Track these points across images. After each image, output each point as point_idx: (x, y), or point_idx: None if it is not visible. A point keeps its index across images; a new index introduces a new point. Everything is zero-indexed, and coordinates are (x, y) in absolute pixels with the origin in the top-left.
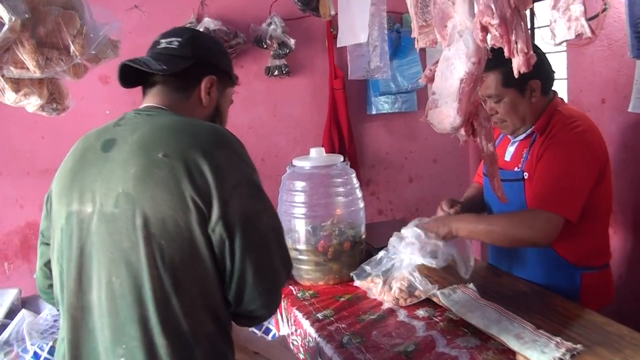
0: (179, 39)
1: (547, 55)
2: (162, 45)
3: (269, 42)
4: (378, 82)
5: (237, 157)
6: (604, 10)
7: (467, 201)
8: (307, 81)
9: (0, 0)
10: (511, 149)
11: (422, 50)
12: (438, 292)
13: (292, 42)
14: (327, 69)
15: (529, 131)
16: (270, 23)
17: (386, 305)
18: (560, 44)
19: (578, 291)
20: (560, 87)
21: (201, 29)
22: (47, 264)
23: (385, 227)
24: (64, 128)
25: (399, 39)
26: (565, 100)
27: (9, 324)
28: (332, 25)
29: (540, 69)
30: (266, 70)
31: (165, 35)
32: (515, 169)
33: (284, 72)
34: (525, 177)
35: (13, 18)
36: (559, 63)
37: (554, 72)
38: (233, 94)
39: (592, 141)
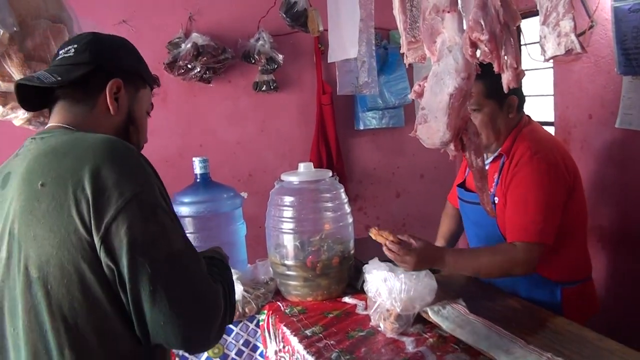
0: (76, 46)
1: (534, 71)
2: (60, 56)
3: (257, 57)
4: (365, 98)
5: (127, 174)
6: (591, 27)
7: (446, 241)
8: (295, 96)
9: None
10: None
11: (410, 66)
12: (427, 308)
13: (280, 57)
14: (315, 85)
15: (496, 153)
16: (259, 38)
17: (373, 322)
18: (550, 59)
19: (559, 305)
20: (547, 104)
21: (189, 44)
22: None
23: (374, 242)
24: None
25: (386, 55)
26: (553, 117)
27: None
28: (320, 41)
29: (518, 87)
30: (254, 85)
31: (63, 44)
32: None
33: (272, 87)
34: (496, 202)
35: (1, 31)
36: (545, 80)
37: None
38: (153, 96)
39: (557, 163)
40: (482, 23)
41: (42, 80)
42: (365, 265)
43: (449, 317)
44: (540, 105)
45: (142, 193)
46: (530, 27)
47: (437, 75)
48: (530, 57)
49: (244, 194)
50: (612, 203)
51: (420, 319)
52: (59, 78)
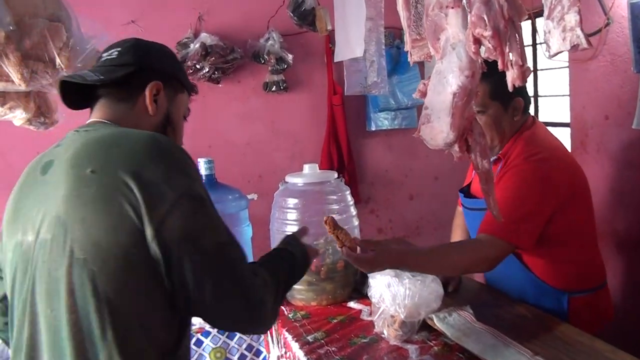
0: (119, 49)
1: (549, 71)
2: (103, 58)
3: (266, 57)
4: (377, 98)
5: (176, 169)
6: (607, 24)
7: None
8: (306, 97)
9: None
10: None
11: (422, 65)
12: (433, 315)
13: (289, 57)
14: (326, 85)
15: (495, 157)
16: (268, 38)
17: (377, 329)
18: (554, 55)
19: (566, 314)
20: (563, 104)
21: (198, 44)
22: (4, 300)
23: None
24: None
25: (398, 55)
26: (569, 117)
27: None
28: (331, 41)
29: (523, 88)
30: (264, 85)
31: (107, 48)
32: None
33: (282, 87)
34: None
35: None
36: (561, 79)
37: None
38: (190, 102)
39: (550, 170)
40: (485, 18)
41: (85, 78)
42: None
43: (455, 325)
44: (555, 105)
45: (191, 187)
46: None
47: (440, 73)
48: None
49: (254, 196)
50: (629, 207)
51: (425, 326)
52: (102, 77)
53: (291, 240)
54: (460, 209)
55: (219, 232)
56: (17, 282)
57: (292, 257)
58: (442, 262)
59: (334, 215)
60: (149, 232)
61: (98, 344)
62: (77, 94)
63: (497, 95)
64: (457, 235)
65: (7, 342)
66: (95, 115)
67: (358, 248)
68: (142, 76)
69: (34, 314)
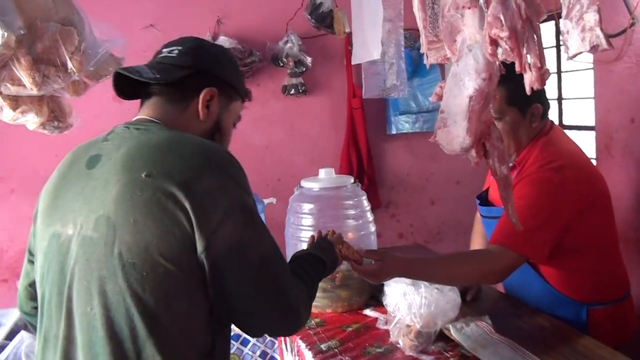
0: (180, 48)
1: (573, 73)
2: (163, 54)
3: (285, 60)
4: (398, 101)
5: (229, 180)
6: (632, 24)
7: None
8: (325, 100)
9: None
10: None
11: (443, 67)
12: (450, 325)
13: (308, 60)
14: (345, 88)
15: (511, 164)
16: (287, 41)
17: (392, 338)
18: (574, 56)
19: (585, 326)
20: (588, 107)
21: None
22: (33, 284)
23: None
24: None
25: (419, 57)
26: (593, 121)
27: (7, 345)
28: (350, 43)
29: (542, 93)
30: (283, 88)
31: (168, 44)
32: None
33: (300, 90)
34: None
35: (6, 34)
36: (585, 82)
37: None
38: (243, 109)
39: (566, 178)
40: (502, 18)
41: (141, 74)
42: None
43: (472, 336)
44: (580, 108)
45: (243, 199)
46: None
47: (456, 76)
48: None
49: (272, 200)
50: None
51: (442, 337)
52: (158, 76)
53: (327, 247)
54: (479, 216)
55: (266, 245)
56: (51, 273)
57: (324, 268)
58: (450, 272)
59: (349, 221)
60: (200, 241)
61: (137, 348)
62: (129, 86)
63: (514, 101)
64: (476, 243)
65: (33, 326)
66: (145, 112)
67: (364, 260)
68: (199, 80)
69: (70, 310)
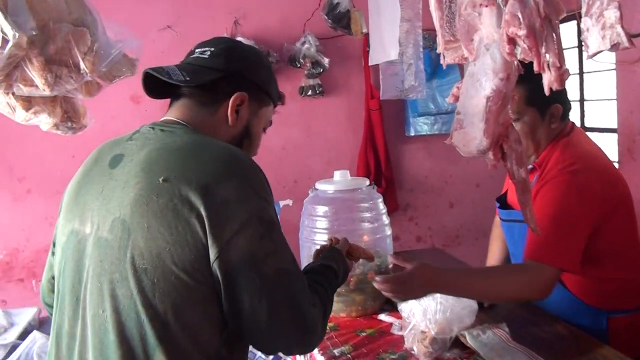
0: (212, 49)
1: (595, 74)
2: (194, 55)
3: (302, 61)
4: (416, 103)
5: (250, 189)
6: None
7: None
8: (342, 101)
9: (5, 16)
10: None
11: (462, 68)
12: (466, 332)
13: (326, 61)
14: (363, 89)
15: (531, 166)
16: (304, 42)
17: (407, 344)
18: (594, 55)
19: (605, 335)
20: (610, 109)
21: None
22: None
23: (419, 258)
24: (94, 147)
25: (438, 58)
26: (616, 123)
27: (20, 344)
28: (368, 44)
29: (562, 93)
30: (300, 90)
31: (201, 44)
32: None
33: (317, 91)
34: None
35: (17, 34)
36: (607, 83)
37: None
38: (274, 113)
39: (587, 181)
40: (520, 16)
41: (171, 76)
42: None
43: (489, 344)
44: (602, 110)
45: (263, 210)
46: None
47: (473, 76)
48: (593, 59)
49: (289, 201)
50: None
51: (458, 343)
52: (188, 78)
53: (336, 256)
54: (498, 220)
55: (283, 259)
56: (67, 270)
57: (336, 277)
58: (488, 290)
59: (365, 224)
60: (213, 250)
61: (147, 354)
62: (159, 85)
63: (533, 101)
64: (494, 247)
65: None
66: (174, 113)
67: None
68: (230, 84)
69: (85, 310)
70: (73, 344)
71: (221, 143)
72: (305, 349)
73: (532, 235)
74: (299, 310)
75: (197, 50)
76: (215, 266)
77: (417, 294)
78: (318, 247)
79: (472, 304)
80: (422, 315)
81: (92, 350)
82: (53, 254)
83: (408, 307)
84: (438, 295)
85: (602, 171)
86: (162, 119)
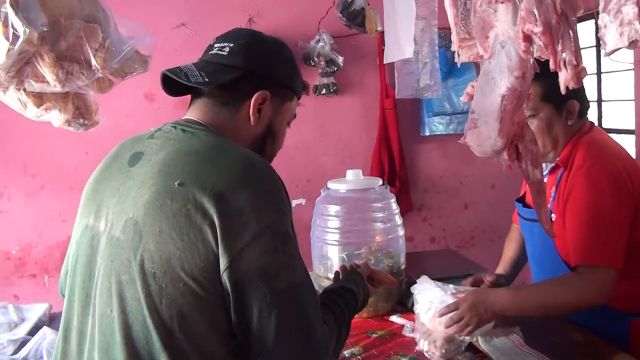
0: (231, 45)
1: (613, 74)
2: (214, 51)
3: (316, 59)
4: (432, 102)
5: (266, 200)
6: None
7: (505, 271)
8: (357, 100)
9: (16, 12)
10: None
11: (479, 67)
12: (479, 336)
13: (340, 59)
14: (378, 88)
15: (553, 164)
16: (319, 40)
17: (419, 347)
18: (611, 53)
19: (626, 340)
20: (628, 110)
21: None
22: None
23: (432, 259)
24: (107, 144)
25: (454, 56)
26: (634, 124)
27: (29, 340)
28: (384, 42)
29: (580, 90)
30: (314, 88)
31: (220, 38)
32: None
33: (332, 90)
34: (553, 220)
35: (27, 30)
36: (626, 83)
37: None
38: (298, 105)
39: (618, 173)
40: (536, 13)
41: (189, 77)
42: (414, 285)
43: (501, 348)
44: (619, 111)
45: (277, 221)
46: None
47: (488, 74)
48: (611, 58)
49: (302, 200)
50: None
51: (470, 346)
52: (206, 80)
53: (357, 279)
54: (515, 225)
55: (295, 273)
56: (79, 266)
57: (356, 302)
58: (544, 299)
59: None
60: (223, 260)
61: (152, 358)
62: (176, 82)
63: (549, 97)
64: (509, 251)
65: None
66: (194, 112)
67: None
68: (250, 82)
69: (94, 308)
70: (83, 342)
71: (240, 149)
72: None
73: (573, 239)
74: (309, 325)
75: (216, 46)
76: (225, 276)
77: (485, 315)
78: (330, 246)
79: None
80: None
81: (98, 350)
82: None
83: (423, 308)
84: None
85: (628, 168)
86: (183, 118)
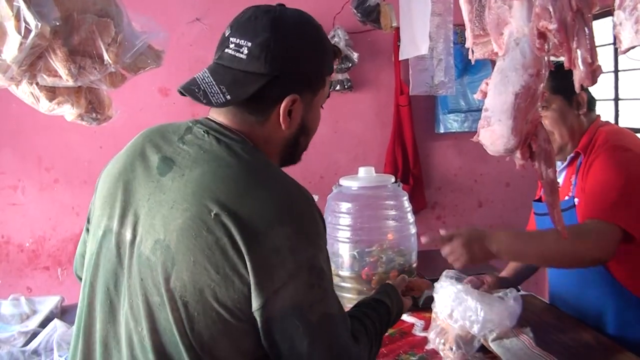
0: (250, 45)
1: (630, 72)
2: (230, 50)
3: None
4: (447, 99)
5: (303, 237)
6: None
7: (509, 275)
8: (371, 97)
9: (29, 6)
10: (559, 179)
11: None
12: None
13: (355, 55)
14: (393, 84)
15: (573, 153)
16: (334, 36)
17: (430, 346)
18: (627, 51)
19: None
20: None
21: None
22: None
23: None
24: (121, 138)
25: None
26: None
27: (40, 332)
28: (399, 38)
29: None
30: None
31: (234, 29)
32: (566, 197)
33: (346, 86)
34: (576, 203)
35: (40, 25)
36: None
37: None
38: (332, 80)
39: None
40: (551, 10)
41: (209, 98)
42: (435, 283)
43: (512, 349)
44: (637, 110)
45: (313, 258)
46: None
47: (502, 71)
48: (627, 56)
49: (315, 197)
50: None
51: (480, 347)
52: (228, 97)
53: (392, 293)
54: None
55: (328, 304)
56: (102, 270)
57: (388, 315)
58: (543, 245)
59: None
60: (259, 298)
61: None
62: None
63: (558, 89)
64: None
65: None
66: (221, 116)
67: None
68: (277, 87)
69: (120, 320)
70: (108, 351)
71: (280, 176)
72: None
73: (588, 203)
74: (340, 350)
75: (232, 42)
76: (257, 313)
77: (478, 254)
78: (341, 244)
79: (513, 307)
80: (454, 316)
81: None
82: (87, 230)
83: (441, 307)
84: (477, 295)
85: None
86: (213, 120)
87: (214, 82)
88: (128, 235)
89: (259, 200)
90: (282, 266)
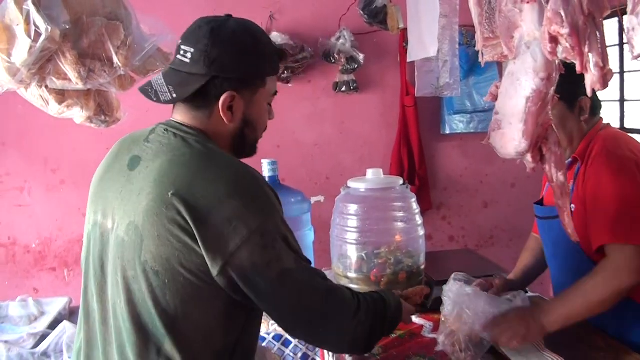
0: (192, 50)
1: (637, 73)
2: (179, 57)
3: (337, 56)
4: (453, 100)
5: (252, 207)
6: None
7: (517, 278)
8: (377, 98)
9: (39, 9)
10: None
11: (501, 65)
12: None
13: (361, 57)
14: (398, 85)
15: (570, 159)
16: (340, 37)
17: (440, 348)
18: (638, 57)
19: None
20: None
21: None
22: None
23: (451, 259)
24: None
25: (476, 55)
26: None
27: (50, 334)
28: (405, 40)
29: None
30: (334, 85)
31: (184, 37)
32: None
33: (352, 87)
34: (573, 209)
35: (49, 28)
36: None
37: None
38: (278, 80)
39: (638, 161)
40: (563, 14)
41: (159, 95)
42: (444, 286)
43: (522, 351)
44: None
45: (264, 224)
46: None
47: (512, 75)
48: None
49: (321, 198)
50: None
51: (490, 349)
52: (174, 95)
53: (383, 290)
54: (534, 234)
55: (284, 261)
56: (92, 259)
57: (383, 302)
58: (586, 295)
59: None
60: (215, 267)
61: (158, 342)
62: None
63: (560, 94)
64: (524, 259)
65: None
66: (179, 115)
67: None
68: (215, 86)
69: (107, 297)
70: (103, 326)
71: (226, 159)
72: (335, 344)
73: (594, 221)
74: (310, 302)
75: (181, 50)
76: (218, 278)
77: (525, 333)
78: (349, 245)
79: (523, 307)
80: (463, 317)
81: (114, 334)
82: None
83: (450, 308)
84: (486, 296)
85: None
86: (174, 119)
87: (164, 83)
88: (109, 224)
89: (207, 180)
90: (235, 233)
